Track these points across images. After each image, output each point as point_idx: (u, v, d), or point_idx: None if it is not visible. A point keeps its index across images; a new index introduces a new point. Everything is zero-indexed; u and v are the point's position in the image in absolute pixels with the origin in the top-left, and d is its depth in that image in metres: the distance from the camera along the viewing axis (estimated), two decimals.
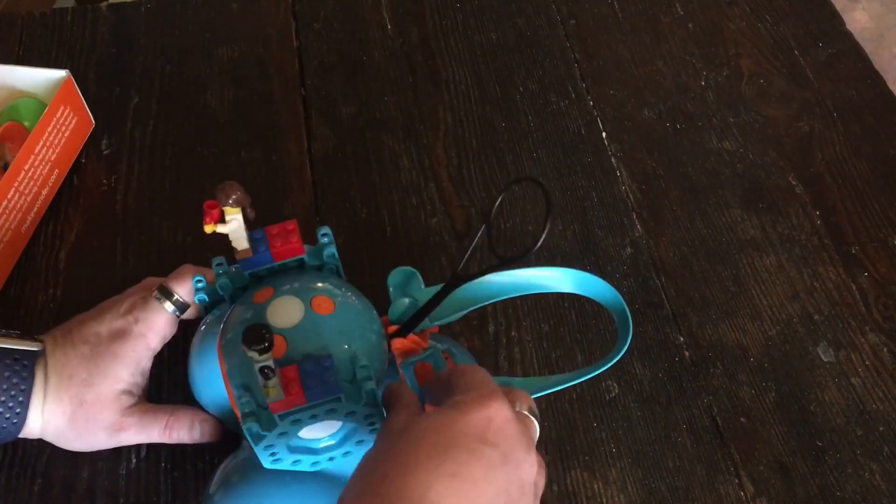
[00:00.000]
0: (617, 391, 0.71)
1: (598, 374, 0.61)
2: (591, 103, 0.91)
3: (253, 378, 0.52)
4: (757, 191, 0.83)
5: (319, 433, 0.55)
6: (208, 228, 0.54)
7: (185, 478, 0.67)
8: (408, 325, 0.59)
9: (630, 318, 0.59)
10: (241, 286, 0.60)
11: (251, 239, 0.57)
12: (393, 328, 0.60)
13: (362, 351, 0.54)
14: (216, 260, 0.60)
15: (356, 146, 0.88)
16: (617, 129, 0.88)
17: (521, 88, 0.92)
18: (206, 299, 0.62)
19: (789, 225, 0.80)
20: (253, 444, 0.52)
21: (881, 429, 0.68)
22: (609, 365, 0.60)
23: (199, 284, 0.62)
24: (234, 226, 0.55)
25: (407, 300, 0.60)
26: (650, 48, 0.96)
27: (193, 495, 0.66)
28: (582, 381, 0.71)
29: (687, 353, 0.73)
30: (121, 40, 0.98)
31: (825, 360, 0.72)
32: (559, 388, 0.60)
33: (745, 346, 0.73)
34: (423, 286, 0.62)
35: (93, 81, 0.94)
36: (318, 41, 0.98)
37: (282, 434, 0.52)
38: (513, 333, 0.74)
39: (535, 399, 0.54)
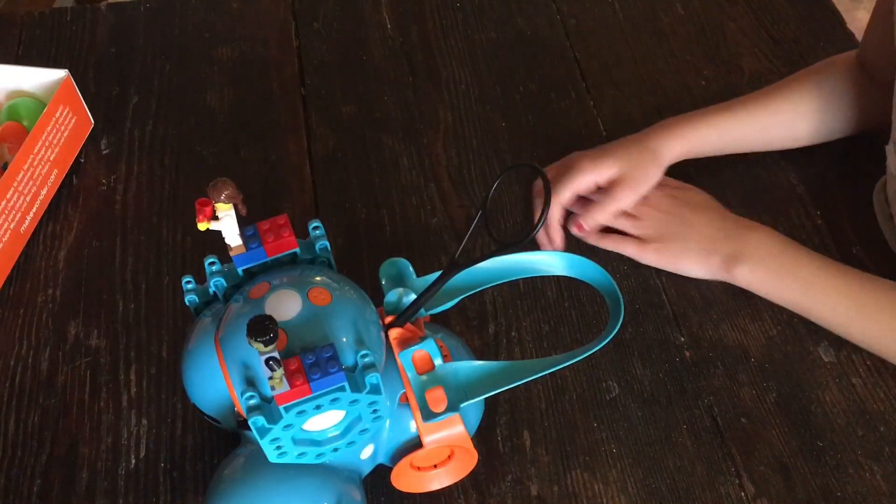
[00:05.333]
0: (617, 391, 0.71)
1: (592, 352, 0.59)
2: (591, 103, 0.91)
3: (254, 372, 0.52)
4: (757, 190, 0.83)
5: (323, 424, 0.55)
6: (202, 226, 0.55)
7: (185, 478, 0.67)
8: (405, 314, 0.59)
9: (622, 299, 0.60)
10: (235, 284, 0.60)
11: (243, 235, 0.57)
12: (389, 318, 0.60)
13: (362, 340, 0.54)
14: (208, 259, 0.61)
15: (356, 146, 0.88)
16: (617, 128, 0.88)
17: (521, 88, 0.92)
18: (197, 300, 0.62)
19: (790, 225, 0.80)
20: (258, 438, 0.53)
21: (882, 429, 0.68)
22: (600, 346, 0.59)
23: (189, 286, 0.62)
24: (226, 222, 0.55)
25: (400, 290, 0.60)
26: (651, 48, 0.96)
27: (193, 495, 0.66)
28: (582, 381, 0.71)
29: (688, 354, 0.73)
30: (120, 40, 0.98)
31: (826, 360, 0.72)
32: (554, 369, 0.60)
33: (746, 346, 0.73)
34: (415, 276, 0.63)
35: (92, 81, 0.94)
36: (318, 41, 0.98)
37: (287, 426, 0.53)
38: (513, 333, 0.74)
39: (533, 384, 0.53)
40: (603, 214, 0.76)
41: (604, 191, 0.76)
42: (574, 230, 0.77)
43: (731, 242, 0.73)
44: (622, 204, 0.76)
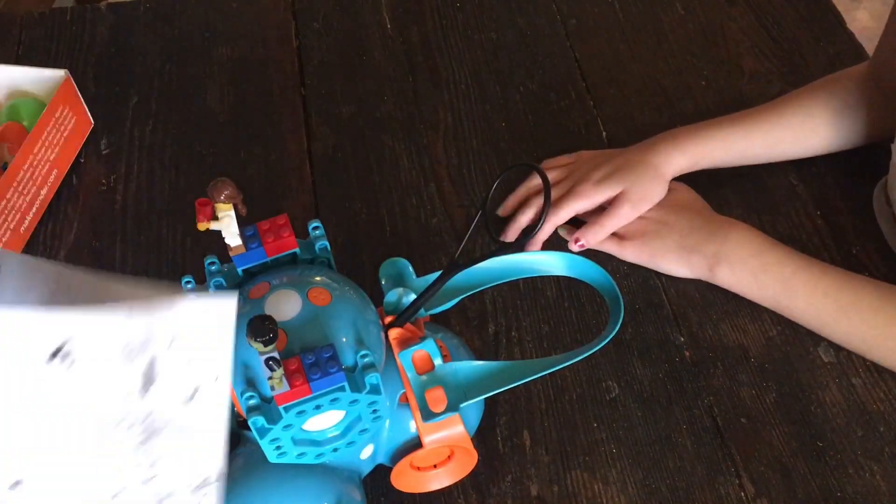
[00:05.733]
0: (617, 391, 0.71)
1: (592, 352, 0.60)
2: (591, 103, 0.91)
3: (254, 372, 0.52)
4: (757, 191, 0.82)
5: (323, 424, 0.55)
6: (201, 226, 0.55)
7: None
8: (405, 314, 0.59)
9: (622, 299, 0.60)
10: (235, 284, 0.60)
11: (243, 235, 0.57)
12: (389, 318, 0.60)
13: (362, 340, 0.54)
14: (208, 259, 0.61)
15: (356, 146, 0.88)
16: (617, 129, 0.88)
17: (521, 88, 0.92)
18: None
19: (790, 225, 0.80)
20: (258, 439, 0.53)
21: (882, 429, 0.68)
22: (600, 346, 0.59)
23: (189, 286, 0.62)
24: (226, 222, 0.55)
25: (400, 290, 0.60)
26: (651, 48, 0.96)
27: None
28: (582, 381, 0.71)
29: (687, 354, 0.73)
30: (120, 40, 0.98)
31: (826, 360, 0.72)
32: (554, 369, 0.60)
33: (746, 346, 0.73)
34: (414, 276, 0.63)
35: (92, 81, 0.94)
36: (318, 41, 0.98)
37: (287, 426, 0.53)
38: (513, 333, 0.74)
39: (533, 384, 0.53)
40: (604, 232, 0.76)
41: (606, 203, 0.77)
42: (573, 247, 0.77)
43: (712, 242, 0.73)
44: (623, 221, 0.76)
